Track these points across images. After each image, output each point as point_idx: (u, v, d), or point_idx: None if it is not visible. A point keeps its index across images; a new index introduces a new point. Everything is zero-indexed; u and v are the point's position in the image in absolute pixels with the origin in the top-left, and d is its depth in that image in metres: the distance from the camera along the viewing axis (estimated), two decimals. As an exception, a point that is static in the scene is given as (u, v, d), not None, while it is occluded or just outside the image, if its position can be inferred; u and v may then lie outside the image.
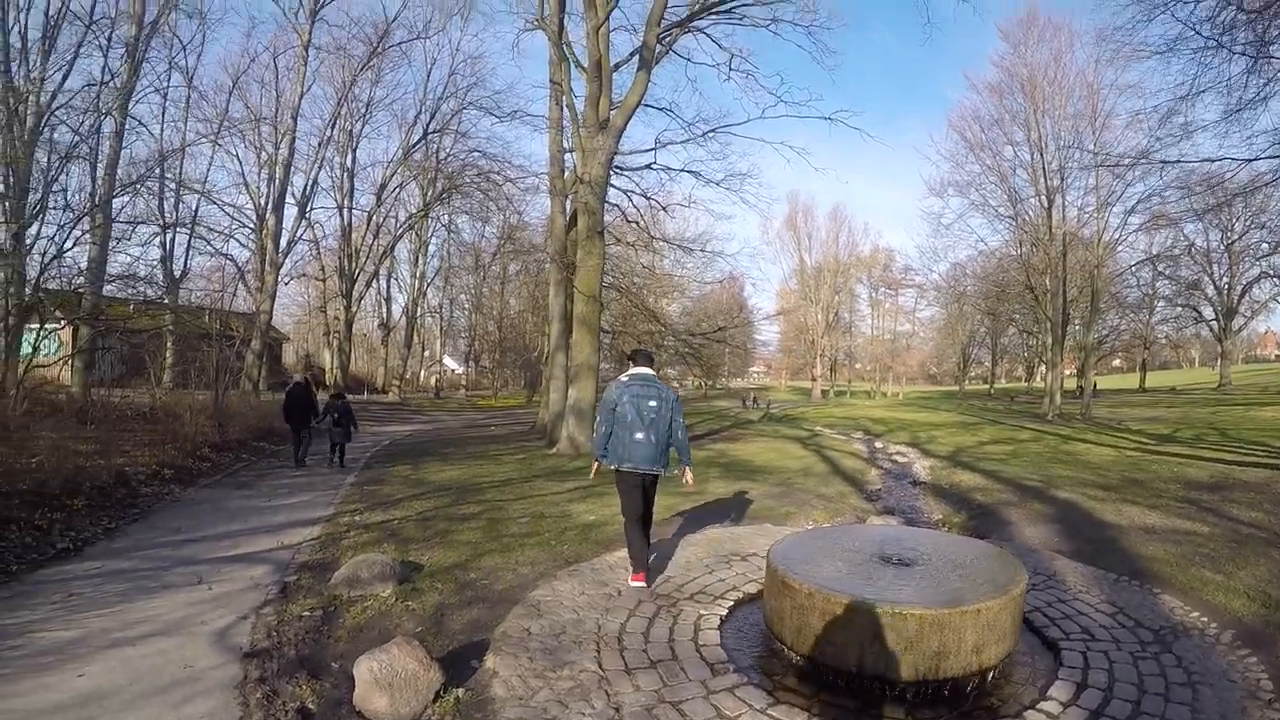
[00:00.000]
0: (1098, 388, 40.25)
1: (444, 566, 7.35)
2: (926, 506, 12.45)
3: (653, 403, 6.41)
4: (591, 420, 17.77)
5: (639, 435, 6.33)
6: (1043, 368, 55.65)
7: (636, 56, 20.38)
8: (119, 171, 23.11)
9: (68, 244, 18.63)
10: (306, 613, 5.95)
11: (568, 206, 22.37)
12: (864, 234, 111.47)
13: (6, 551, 7.51)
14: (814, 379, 77.31)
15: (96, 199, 22.19)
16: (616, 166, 21.03)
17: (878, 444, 23.62)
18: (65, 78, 22.26)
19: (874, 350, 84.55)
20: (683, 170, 23.77)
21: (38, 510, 8.66)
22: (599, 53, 18.84)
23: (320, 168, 34.04)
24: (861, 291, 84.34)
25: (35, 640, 5.29)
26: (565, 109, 21.41)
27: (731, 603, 6.04)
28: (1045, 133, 36.77)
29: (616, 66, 20.57)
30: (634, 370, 6.70)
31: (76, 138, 21.26)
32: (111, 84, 22.65)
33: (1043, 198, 37.09)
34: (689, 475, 6.85)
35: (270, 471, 14.37)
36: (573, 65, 21.41)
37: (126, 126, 23.26)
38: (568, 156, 22.46)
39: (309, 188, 33.44)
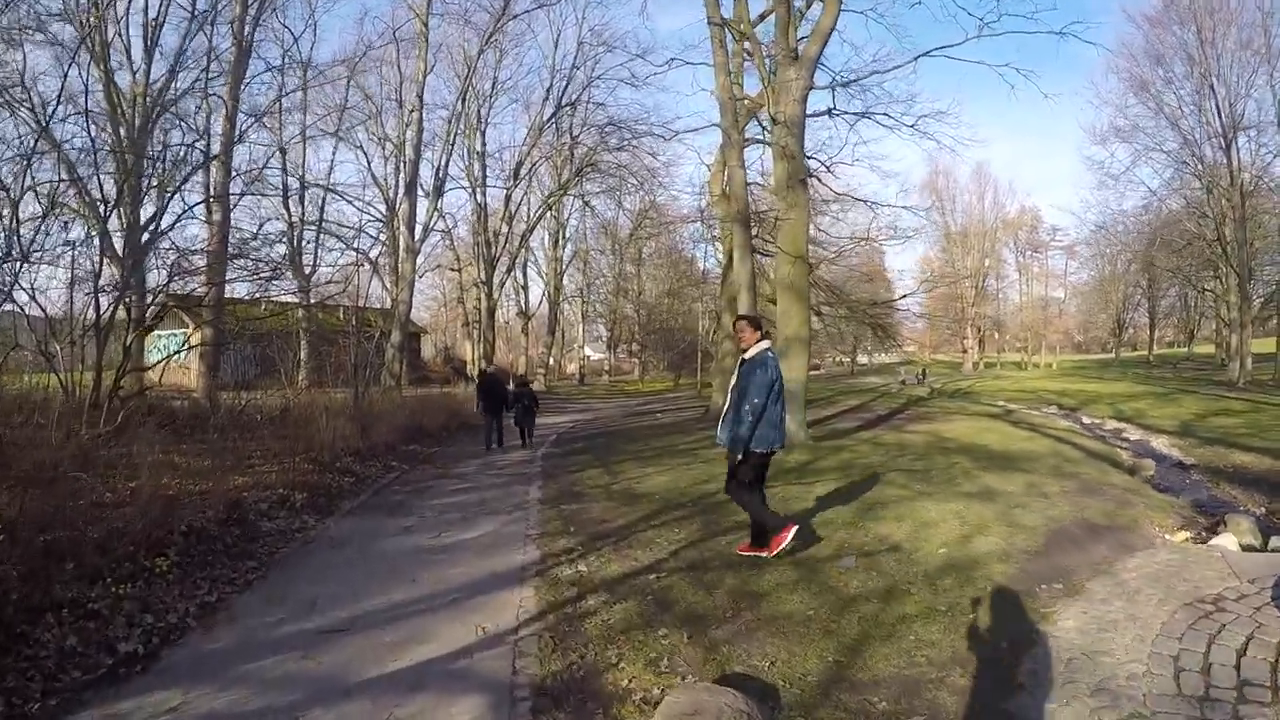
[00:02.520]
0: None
1: (813, 683, 3.92)
2: (1232, 497, 10.38)
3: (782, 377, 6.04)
4: (803, 405, 14.82)
5: (779, 408, 5.94)
6: (1213, 329, 52.40)
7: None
8: (235, 165, 20.72)
9: (187, 244, 16.52)
10: None
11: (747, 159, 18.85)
12: (1010, 194, 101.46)
13: (30, 670, 4.20)
14: (964, 351, 71.62)
15: (212, 193, 19.76)
16: (772, 119, 17.09)
17: (1084, 419, 21.34)
18: (173, 73, 20.20)
19: (1025, 318, 76.91)
20: (865, 115, 19.49)
21: (98, 582, 5.37)
22: (790, -32, 15.40)
23: (450, 153, 31.27)
24: (1008, 256, 77.35)
25: None
26: (731, 52, 18.04)
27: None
28: (1213, 66, 33.01)
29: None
30: (768, 342, 6.02)
31: (190, 133, 19.04)
32: (220, 77, 20.23)
33: (1217, 139, 33.38)
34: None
35: (428, 484, 11.14)
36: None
37: (240, 122, 20.90)
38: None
39: (441, 170, 30.72)
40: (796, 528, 6.01)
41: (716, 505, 8.53)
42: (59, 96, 12.22)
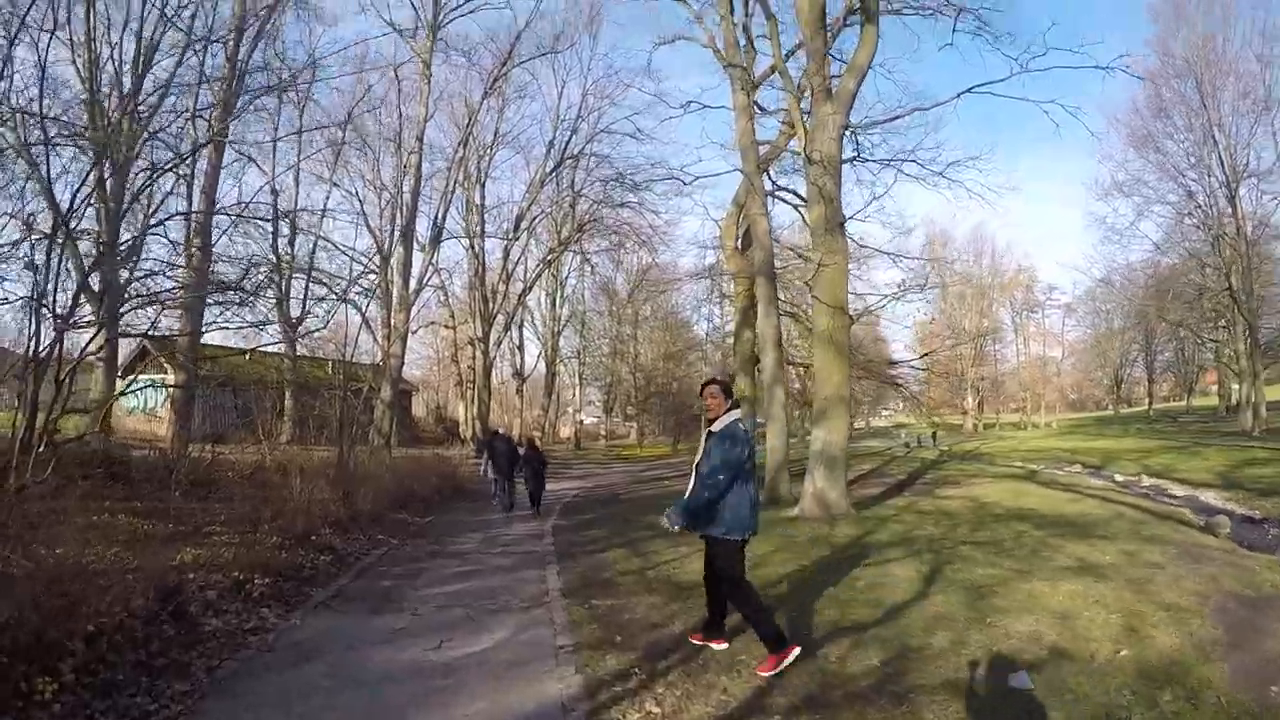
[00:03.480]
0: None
1: None
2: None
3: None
4: (845, 470, 13.74)
5: (751, 488, 5.06)
6: (1210, 382, 52.32)
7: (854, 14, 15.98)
8: (222, 201, 19.18)
9: (163, 284, 14.83)
10: None
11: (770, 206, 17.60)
12: (1007, 254, 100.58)
13: None
14: (965, 412, 70.31)
15: (192, 231, 18.10)
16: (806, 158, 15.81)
17: (1118, 477, 20.46)
18: (162, 97, 18.80)
19: (1024, 377, 75.68)
20: (891, 162, 18.26)
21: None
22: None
23: (449, 202, 29.91)
24: (1005, 316, 76.44)
25: None
26: (749, 94, 17.39)
27: None
28: (1214, 116, 33.55)
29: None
30: (740, 410, 5.23)
31: (174, 159, 17.43)
32: (210, 109, 18.73)
33: (1222, 189, 33.81)
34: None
35: (422, 565, 9.21)
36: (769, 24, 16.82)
37: (229, 157, 19.53)
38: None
39: (439, 220, 29.33)
40: (799, 650, 5.04)
41: (793, 600, 6.74)
42: (40, 111, 10.47)
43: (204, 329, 18.14)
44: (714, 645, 5.48)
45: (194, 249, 17.31)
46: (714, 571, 5.40)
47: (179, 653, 5.29)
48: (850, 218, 15.03)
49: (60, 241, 12.65)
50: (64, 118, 12.84)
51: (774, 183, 21.24)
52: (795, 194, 20.97)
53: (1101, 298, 54.97)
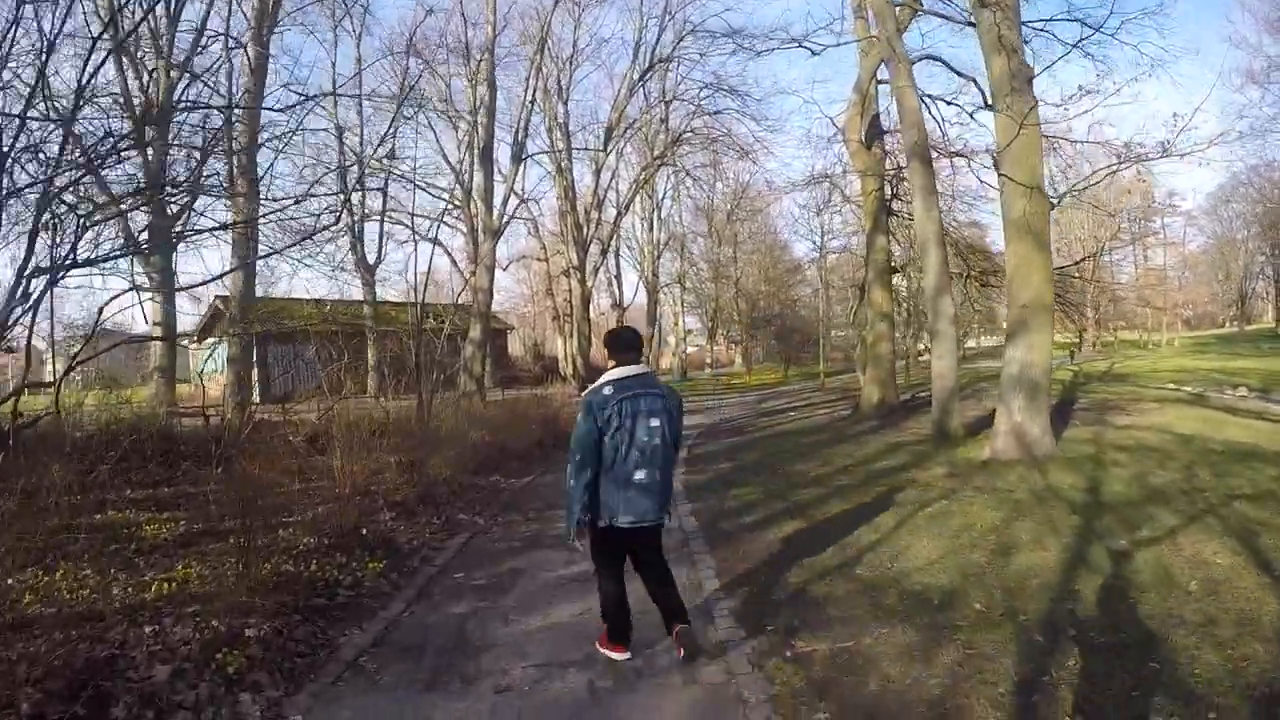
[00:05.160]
0: None
1: None
2: None
3: (655, 421, 4.08)
4: (1046, 403, 10.80)
5: (641, 475, 4.06)
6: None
7: None
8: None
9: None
10: None
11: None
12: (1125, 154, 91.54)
13: None
14: (1083, 329, 64.27)
15: (236, 167, 15.57)
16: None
17: None
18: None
19: (1144, 292, 68.58)
20: (1050, 22, 14.09)
21: None
22: None
23: (529, 112, 26.66)
24: (1123, 225, 69.35)
25: None
26: None
27: None
28: None
29: None
30: (619, 370, 4.20)
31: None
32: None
33: None
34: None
35: (517, 565, 6.36)
36: None
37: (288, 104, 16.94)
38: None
39: (520, 133, 26.23)
40: (627, 655, 4.18)
41: (1119, 634, 3.80)
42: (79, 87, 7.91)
43: (254, 273, 15.91)
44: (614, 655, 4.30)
45: (237, 185, 14.76)
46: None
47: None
48: (1042, 71, 11.24)
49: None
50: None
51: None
52: (938, 59, 17.18)
53: (1227, 205, 51.30)
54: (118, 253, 8.85)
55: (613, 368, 4.28)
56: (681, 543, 6.72)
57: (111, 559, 5.74)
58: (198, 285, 12.28)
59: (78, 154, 8.53)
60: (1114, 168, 10.69)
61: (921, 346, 38.32)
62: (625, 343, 4.33)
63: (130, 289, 8.23)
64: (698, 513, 7.94)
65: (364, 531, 6.63)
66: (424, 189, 27.31)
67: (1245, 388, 20.22)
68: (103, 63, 9.31)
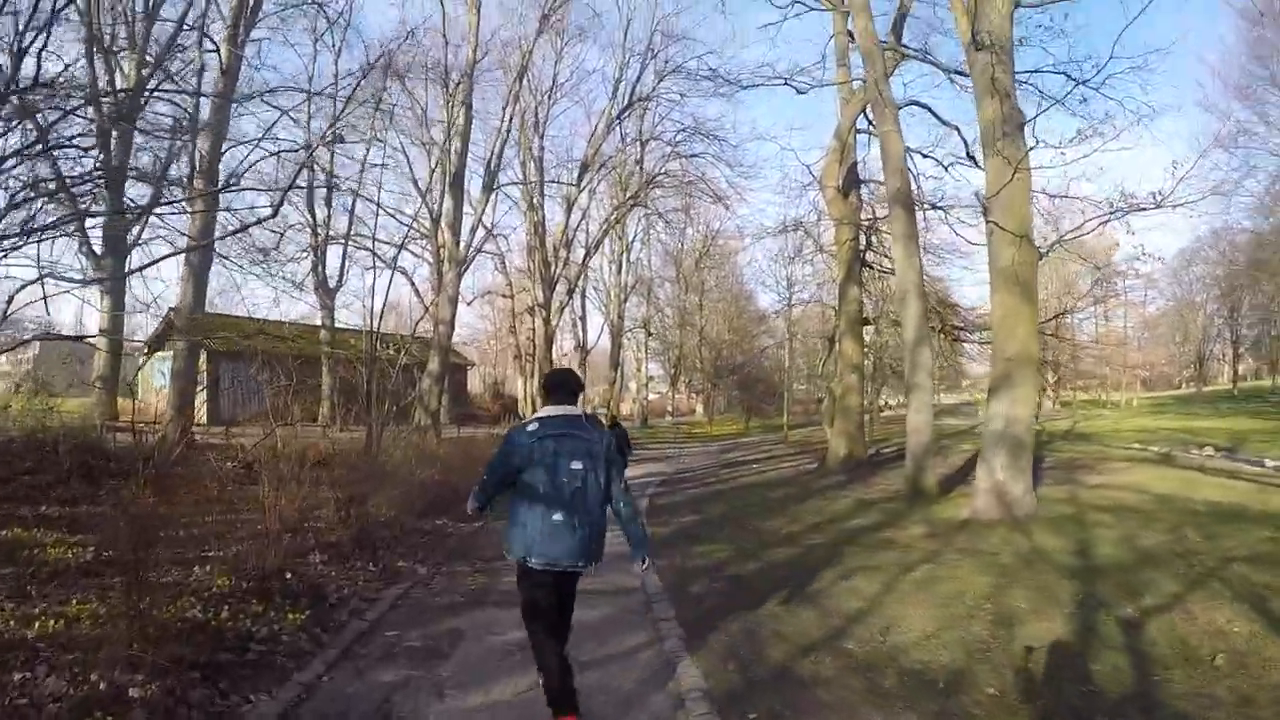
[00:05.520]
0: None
1: None
2: None
3: (577, 464, 3.93)
4: (1029, 461, 10.29)
5: (558, 516, 3.87)
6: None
7: None
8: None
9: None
10: None
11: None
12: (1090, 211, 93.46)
13: None
14: (1044, 388, 65.01)
15: (195, 174, 14.94)
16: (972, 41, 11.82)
17: (1269, 462, 15.63)
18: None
19: (1104, 352, 69.93)
20: (1034, 74, 14.23)
21: None
22: None
23: (504, 140, 26.00)
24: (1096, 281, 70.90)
25: None
26: None
27: None
28: None
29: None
30: (549, 409, 4.14)
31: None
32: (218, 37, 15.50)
33: None
34: (645, 568, 4.29)
35: (457, 619, 5.69)
36: None
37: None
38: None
39: (493, 161, 25.58)
40: None
41: None
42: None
43: (205, 283, 15.13)
44: None
45: (196, 195, 14.05)
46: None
47: None
48: (1034, 117, 11.03)
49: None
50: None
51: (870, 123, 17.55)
52: (924, 106, 17.20)
53: (1188, 269, 52.78)
54: (53, 223, 8.07)
55: (543, 407, 4.27)
56: (644, 606, 6.07)
57: (2, 583, 5.04)
58: (132, 273, 11.45)
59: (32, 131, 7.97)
60: (1106, 217, 10.38)
61: (884, 401, 38.19)
62: (557, 382, 4.33)
63: (38, 280, 7.36)
64: (663, 571, 7.28)
65: (289, 575, 5.90)
66: (391, 215, 26.52)
67: (1212, 447, 20.16)
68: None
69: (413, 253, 31.18)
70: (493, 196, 26.87)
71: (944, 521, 9.72)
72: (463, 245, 24.02)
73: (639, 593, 6.42)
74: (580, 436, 4.01)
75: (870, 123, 18.75)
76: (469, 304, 48.24)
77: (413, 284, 28.82)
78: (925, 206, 18.18)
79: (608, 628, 5.44)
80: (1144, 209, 10.31)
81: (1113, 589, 6.02)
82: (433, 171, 29.44)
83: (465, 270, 26.00)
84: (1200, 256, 46.74)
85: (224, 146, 15.30)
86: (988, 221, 10.61)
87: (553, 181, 31.83)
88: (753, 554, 8.05)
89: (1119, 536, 8.10)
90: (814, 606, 5.84)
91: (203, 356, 24.38)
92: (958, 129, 16.68)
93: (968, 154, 12.54)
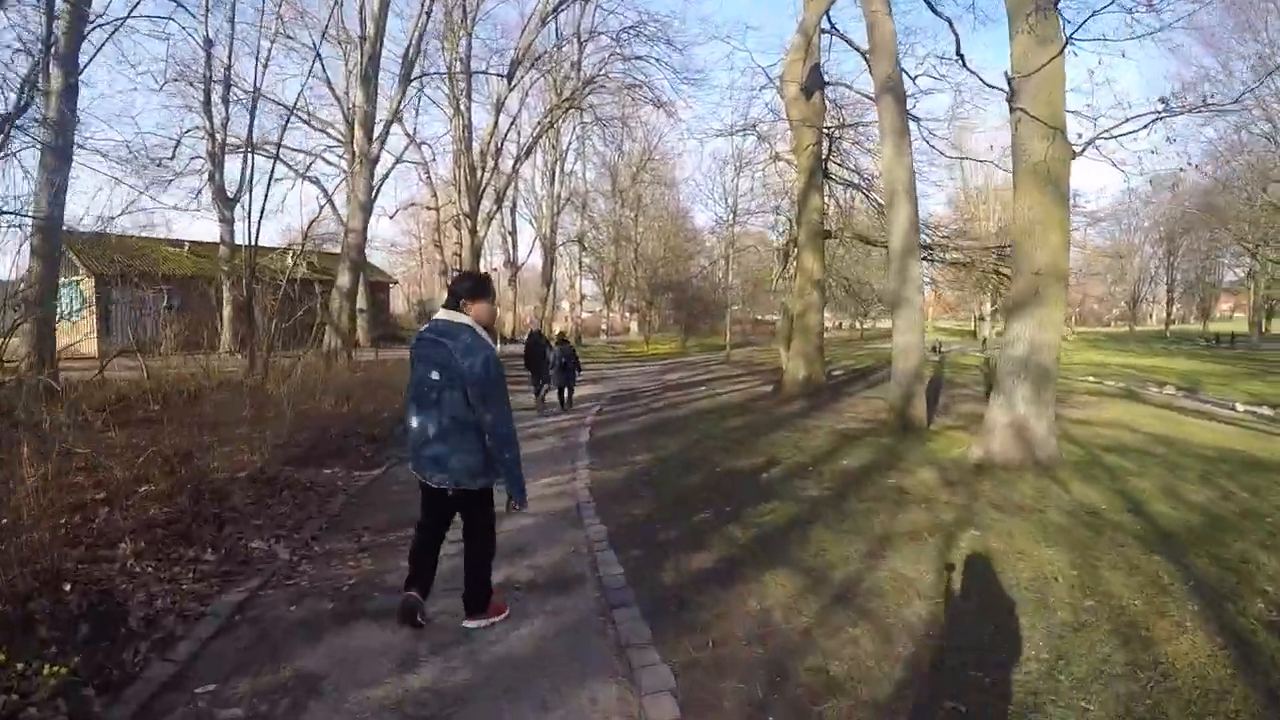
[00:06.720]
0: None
1: None
2: None
3: (435, 374, 3.77)
4: (1051, 395, 8.66)
5: (415, 421, 3.90)
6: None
7: None
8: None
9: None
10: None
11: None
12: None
13: None
14: (982, 318, 65.30)
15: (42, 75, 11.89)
16: None
17: (1239, 406, 15.58)
18: None
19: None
20: None
21: None
22: None
23: (424, 27, 23.01)
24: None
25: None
26: None
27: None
28: None
29: None
30: (438, 314, 4.01)
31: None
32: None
33: None
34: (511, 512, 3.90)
35: (309, 672, 3.60)
36: None
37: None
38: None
39: (411, 50, 22.64)
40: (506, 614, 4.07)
41: None
42: None
43: (64, 192, 12.48)
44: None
45: (51, 95, 11.32)
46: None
47: None
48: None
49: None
50: None
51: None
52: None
53: (1130, 211, 53.76)
54: None
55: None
56: (601, 613, 4.21)
57: None
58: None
59: None
60: (1158, 115, 8.68)
61: (837, 322, 37.00)
62: (450, 288, 4.12)
63: None
64: (622, 545, 5.41)
65: (68, 587, 3.90)
66: (294, 113, 23.56)
67: (1173, 386, 19.97)
68: None
69: (329, 162, 28.61)
70: (410, 92, 24.09)
71: (953, 464, 8.20)
72: (375, 144, 21.33)
73: (592, 587, 4.60)
74: (444, 345, 3.76)
75: (833, 24, 16.88)
76: (391, 217, 45.33)
77: (326, 193, 26.23)
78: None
79: (560, 655, 3.60)
80: (1195, 109, 8.77)
81: (1211, 568, 4.69)
82: (349, 74, 26.61)
83: (384, 177, 23.67)
84: (1149, 196, 47.12)
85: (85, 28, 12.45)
86: (1015, 109, 8.74)
87: (480, 72, 28.94)
88: (736, 516, 6.21)
89: (1159, 489, 7.05)
90: (857, 616, 4.08)
91: (90, 282, 21.57)
92: (950, 22, 14.73)
93: (957, 52, 10.73)
